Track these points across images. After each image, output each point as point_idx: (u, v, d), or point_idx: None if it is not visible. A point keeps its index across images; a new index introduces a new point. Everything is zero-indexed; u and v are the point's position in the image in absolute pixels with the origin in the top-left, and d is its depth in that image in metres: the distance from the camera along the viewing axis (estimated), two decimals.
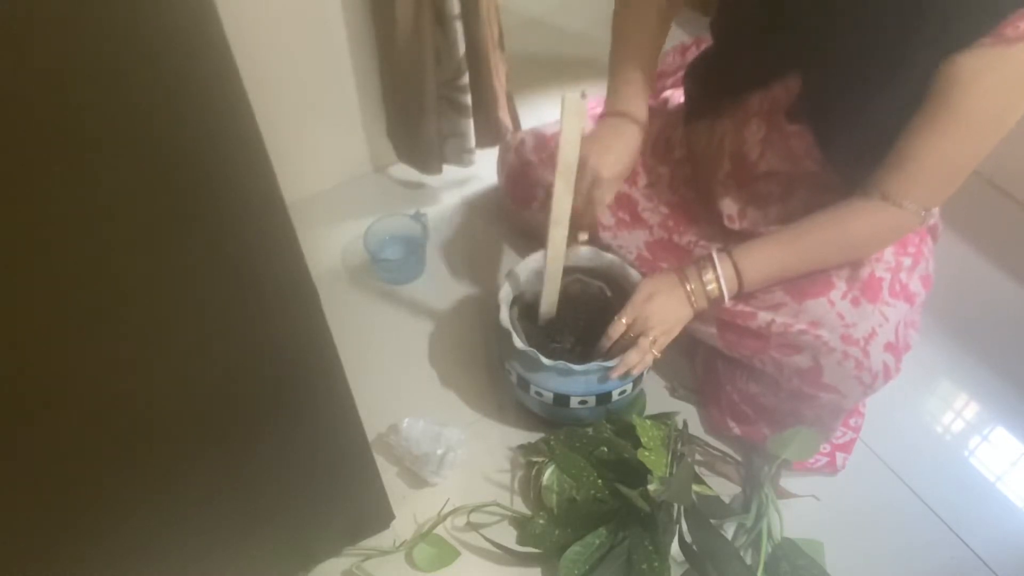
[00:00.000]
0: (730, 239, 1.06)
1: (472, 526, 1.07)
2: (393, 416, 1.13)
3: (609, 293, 1.14)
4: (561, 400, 1.05)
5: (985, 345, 1.33)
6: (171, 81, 0.42)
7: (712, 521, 0.97)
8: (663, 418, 1.11)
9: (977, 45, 0.75)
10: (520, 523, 1.07)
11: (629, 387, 1.06)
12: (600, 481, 1.03)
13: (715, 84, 1.03)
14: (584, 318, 1.13)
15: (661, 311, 0.97)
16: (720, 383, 1.14)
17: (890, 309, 0.95)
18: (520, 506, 1.11)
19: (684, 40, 1.27)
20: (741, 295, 0.98)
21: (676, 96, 1.20)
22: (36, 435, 0.55)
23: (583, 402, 1.05)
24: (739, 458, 1.15)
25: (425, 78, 1.26)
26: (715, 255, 0.96)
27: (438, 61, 1.25)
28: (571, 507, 1.03)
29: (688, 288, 0.96)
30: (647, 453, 1.00)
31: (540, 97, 1.72)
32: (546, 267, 1.02)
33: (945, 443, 1.22)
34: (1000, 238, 1.50)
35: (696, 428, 1.19)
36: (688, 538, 0.97)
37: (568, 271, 1.07)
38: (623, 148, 0.98)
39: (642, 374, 1.07)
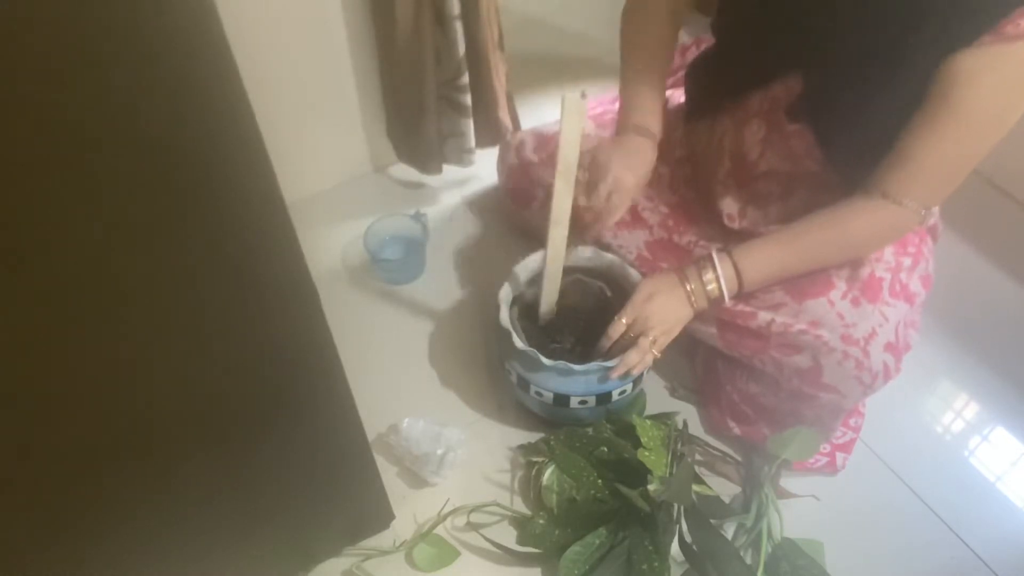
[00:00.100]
0: (730, 239, 1.06)
1: (472, 526, 1.07)
2: (393, 416, 1.13)
3: (609, 293, 1.14)
4: (561, 400, 1.05)
5: (985, 345, 1.33)
6: (171, 81, 0.42)
7: (712, 521, 0.97)
8: (663, 418, 1.11)
9: (977, 44, 0.75)
10: (520, 523, 1.07)
11: (629, 387, 1.06)
12: (600, 481, 1.03)
13: (715, 84, 1.03)
14: (584, 318, 1.13)
15: (661, 311, 0.97)
16: (720, 383, 1.14)
17: (890, 309, 0.95)
18: (520, 506, 1.11)
19: (684, 40, 1.27)
20: (741, 295, 0.98)
21: (676, 96, 1.20)
22: (36, 435, 0.55)
23: (583, 402, 1.05)
24: (739, 458, 1.15)
25: (425, 78, 1.26)
26: (715, 255, 0.96)
27: (438, 61, 1.25)
28: (571, 507, 1.03)
29: (688, 288, 0.96)
30: (647, 453, 1.00)
31: (540, 97, 1.72)
32: (546, 267, 1.02)
33: (945, 443, 1.22)
34: (1000, 238, 1.50)
35: (696, 428, 1.19)
36: (688, 538, 0.97)
37: (568, 271, 1.07)
38: (642, 161, 0.98)
39: (642, 374, 1.07)
